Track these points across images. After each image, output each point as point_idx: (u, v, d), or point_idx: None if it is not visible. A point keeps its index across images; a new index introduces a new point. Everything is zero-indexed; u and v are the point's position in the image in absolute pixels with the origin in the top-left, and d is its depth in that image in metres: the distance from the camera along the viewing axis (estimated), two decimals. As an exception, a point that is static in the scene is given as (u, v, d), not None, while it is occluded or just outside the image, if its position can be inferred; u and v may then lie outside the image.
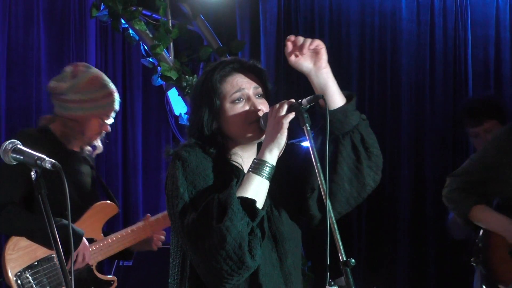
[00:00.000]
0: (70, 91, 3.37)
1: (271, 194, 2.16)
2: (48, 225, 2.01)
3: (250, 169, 2.11)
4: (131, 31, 4.74)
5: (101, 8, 4.64)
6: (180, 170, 2.12)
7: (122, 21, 4.69)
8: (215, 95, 2.20)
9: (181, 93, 4.77)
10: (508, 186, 3.38)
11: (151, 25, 4.71)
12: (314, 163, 2.05)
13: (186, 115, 4.83)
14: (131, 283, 4.27)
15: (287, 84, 5.37)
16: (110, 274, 3.53)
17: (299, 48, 2.17)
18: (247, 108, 2.21)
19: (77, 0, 5.17)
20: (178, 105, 4.92)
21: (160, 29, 4.65)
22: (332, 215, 2.01)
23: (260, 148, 2.14)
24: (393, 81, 5.90)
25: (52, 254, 3.22)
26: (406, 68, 5.91)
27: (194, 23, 4.88)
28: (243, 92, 2.21)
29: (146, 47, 4.75)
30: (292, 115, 2.10)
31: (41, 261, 3.25)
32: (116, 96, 3.45)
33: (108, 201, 3.49)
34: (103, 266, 3.55)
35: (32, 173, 2.05)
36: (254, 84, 2.24)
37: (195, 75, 4.74)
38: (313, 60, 2.19)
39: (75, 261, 3.24)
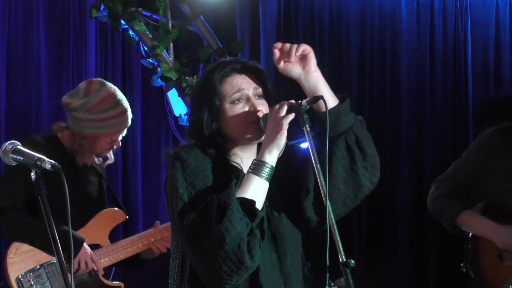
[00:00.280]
0: (81, 109, 3.34)
1: (271, 194, 2.16)
2: (48, 227, 2.01)
3: (250, 170, 2.11)
4: (131, 32, 4.74)
5: (101, 9, 4.64)
6: (180, 171, 2.12)
7: (122, 21, 4.69)
8: (214, 96, 2.20)
9: (181, 93, 4.77)
10: (494, 190, 3.38)
11: (151, 26, 4.71)
12: (314, 164, 2.05)
13: (186, 116, 4.83)
14: (131, 285, 4.26)
15: (287, 85, 5.37)
16: (110, 276, 3.51)
17: (286, 55, 2.18)
18: (246, 108, 2.21)
19: (77, 1, 5.16)
20: (178, 106, 4.92)
21: (160, 30, 4.65)
22: (332, 216, 2.02)
23: (260, 149, 2.14)
24: (393, 82, 5.91)
25: (55, 258, 3.21)
26: (406, 69, 5.91)
27: (194, 23, 4.88)
28: (242, 92, 2.21)
29: (146, 48, 4.76)
30: (291, 116, 2.10)
31: (43, 265, 3.25)
32: (128, 114, 3.42)
33: (116, 208, 3.48)
34: (108, 271, 3.53)
35: (32, 174, 2.05)
36: (253, 85, 2.24)
37: (195, 76, 4.74)
38: (302, 65, 2.19)
39: (78, 268, 3.24)
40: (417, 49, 5.94)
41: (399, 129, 5.87)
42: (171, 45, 4.74)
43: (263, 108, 2.22)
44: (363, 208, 5.73)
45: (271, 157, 2.10)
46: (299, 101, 2.13)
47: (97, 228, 3.38)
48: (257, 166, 2.10)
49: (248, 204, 2.05)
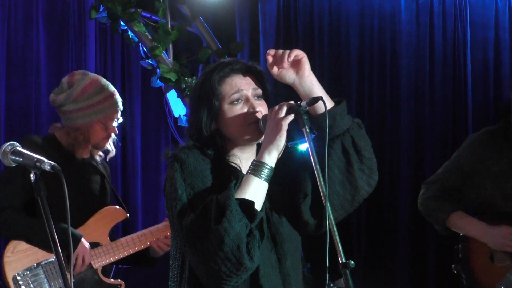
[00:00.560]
0: (67, 101, 3.35)
1: (271, 195, 2.16)
2: (48, 228, 2.01)
3: (249, 171, 2.11)
4: (130, 33, 4.73)
5: (100, 10, 4.64)
6: (179, 172, 2.12)
7: (121, 22, 4.69)
8: (213, 96, 2.20)
9: (180, 94, 4.76)
10: (484, 192, 3.38)
11: (150, 27, 4.70)
12: (313, 165, 2.05)
13: (185, 117, 4.83)
14: (131, 283, 4.26)
15: (287, 85, 5.37)
16: (110, 275, 3.51)
17: (279, 61, 2.17)
18: (245, 109, 2.21)
19: (76, 2, 5.17)
20: (177, 107, 4.92)
21: (159, 31, 4.65)
22: (332, 217, 2.02)
23: (259, 150, 2.14)
24: (393, 83, 5.91)
25: (53, 257, 3.22)
26: (405, 70, 5.91)
27: (193, 24, 4.88)
28: (241, 93, 2.21)
29: (145, 49, 4.75)
30: (291, 117, 2.10)
31: (41, 264, 3.25)
32: (117, 98, 3.42)
33: (117, 206, 3.47)
34: (108, 270, 3.52)
35: (32, 175, 2.05)
36: (253, 85, 2.24)
37: (194, 77, 4.73)
38: (295, 70, 2.19)
39: (74, 264, 3.24)
40: (416, 49, 5.93)
41: (399, 129, 5.87)
42: (171, 46, 4.74)
43: (262, 109, 2.22)
44: (363, 208, 5.73)
45: (271, 158, 2.10)
46: (299, 102, 2.13)
47: (97, 226, 3.37)
48: (256, 167, 2.10)
49: (247, 205, 2.05)
